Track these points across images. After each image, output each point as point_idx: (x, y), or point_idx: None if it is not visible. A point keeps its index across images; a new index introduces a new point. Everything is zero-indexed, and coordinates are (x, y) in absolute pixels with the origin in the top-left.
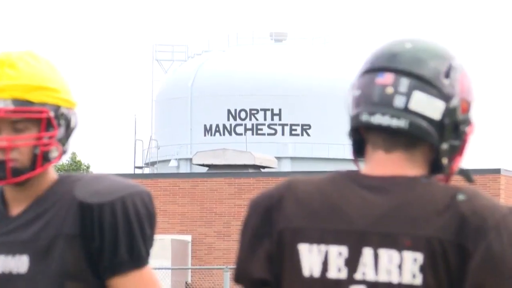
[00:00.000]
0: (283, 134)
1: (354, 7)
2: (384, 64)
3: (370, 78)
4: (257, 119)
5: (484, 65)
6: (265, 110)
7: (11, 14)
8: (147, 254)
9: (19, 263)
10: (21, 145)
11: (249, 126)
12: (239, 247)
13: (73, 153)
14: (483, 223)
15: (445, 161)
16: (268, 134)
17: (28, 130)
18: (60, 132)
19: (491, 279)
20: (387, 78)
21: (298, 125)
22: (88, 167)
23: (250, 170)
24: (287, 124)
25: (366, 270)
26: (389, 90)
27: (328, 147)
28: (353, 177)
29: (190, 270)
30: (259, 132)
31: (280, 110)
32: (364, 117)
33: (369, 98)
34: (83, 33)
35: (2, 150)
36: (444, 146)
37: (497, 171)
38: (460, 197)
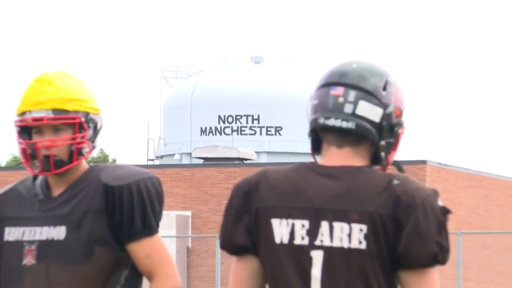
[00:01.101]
0: (261, 134)
1: (315, 37)
2: (336, 80)
3: (325, 91)
4: (241, 123)
5: (410, 66)
6: (247, 116)
7: (44, 46)
8: (157, 225)
9: (59, 232)
10: (60, 144)
11: (234, 128)
12: (224, 221)
13: (101, 149)
14: (412, 201)
15: (383, 154)
16: (250, 134)
17: (65, 132)
18: (89, 133)
19: (418, 244)
20: (338, 91)
21: (272, 127)
22: (114, 160)
23: (236, 162)
24: (264, 127)
25: (323, 238)
26: (340, 99)
27: (295, 144)
28: (313, 167)
29: (190, 238)
30: (242, 132)
31: (258, 116)
32: (321, 121)
33: (325, 106)
34: (109, 58)
35: (47, 148)
36: (382, 142)
37: (423, 162)
38: (395, 181)
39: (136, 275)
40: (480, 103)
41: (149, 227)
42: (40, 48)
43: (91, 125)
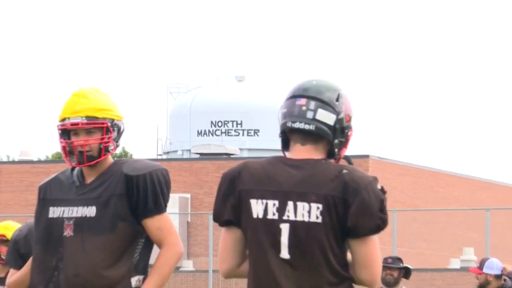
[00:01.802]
0: (243, 135)
1: (284, 61)
2: (300, 93)
3: (292, 101)
4: (228, 127)
5: (356, 78)
6: (232, 121)
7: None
8: (165, 205)
9: (90, 211)
10: (92, 143)
11: (223, 130)
12: (215, 201)
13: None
14: (357, 186)
15: (336, 150)
16: (234, 135)
17: (96, 134)
18: (114, 134)
19: (364, 218)
20: (302, 101)
21: (252, 130)
22: (131, 155)
23: (224, 156)
24: (245, 129)
25: (289, 214)
26: (304, 108)
27: (269, 142)
28: (282, 160)
29: (189, 214)
30: (229, 134)
31: (241, 121)
32: (289, 124)
33: (292, 113)
34: (128, 78)
35: (81, 146)
36: (336, 141)
37: (366, 156)
38: (344, 171)
39: (149, 243)
40: (408, 107)
41: (159, 207)
42: (73, 69)
43: (115, 128)
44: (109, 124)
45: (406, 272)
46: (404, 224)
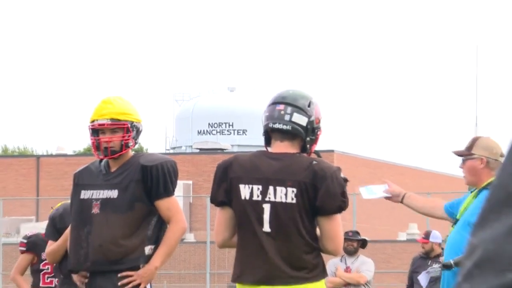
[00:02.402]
0: (234, 134)
1: (269, 71)
2: (280, 100)
3: (273, 107)
4: (222, 127)
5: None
6: (226, 123)
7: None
8: (173, 190)
9: (113, 193)
10: (115, 140)
11: (218, 130)
12: (212, 186)
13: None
14: (324, 174)
15: (307, 146)
16: (227, 134)
17: (118, 133)
18: (133, 134)
19: (328, 201)
20: (281, 107)
21: (241, 130)
22: (146, 149)
23: (219, 151)
24: (236, 129)
25: (270, 196)
26: (282, 112)
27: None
28: (265, 153)
29: (191, 197)
30: (223, 133)
31: (233, 123)
32: (270, 125)
33: (272, 116)
34: (143, 89)
35: (107, 143)
36: (307, 139)
37: (332, 151)
38: (314, 162)
39: (160, 220)
40: (367, 109)
41: (168, 191)
42: (100, 80)
43: (134, 129)
44: (129, 125)
45: (363, 243)
46: (362, 205)
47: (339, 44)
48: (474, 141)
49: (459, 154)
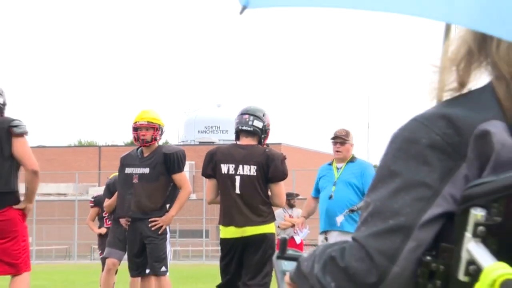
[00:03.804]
0: (220, 133)
1: (244, 92)
2: (245, 112)
3: (241, 116)
4: (213, 129)
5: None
6: (215, 126)
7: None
8: (183, 167)
9: (146, 170)
10: (148, 134)
11: (211, 131)
12: (203, 165)
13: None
14: (273, 157)
15: (262, 141)
16: (216, 133)
17: (150, 130)
18: (159, 132)
19: (275, 173)
20: (246, 116)
21: (224, 130)
22: (167, 141)
23: (211, 144)
24: (222, 130)
25: (240, 171)
26: (247, 119)
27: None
28: (236, 145)
29: (194, 171)
30: (213, 132)
31: (219, 126)
32: (240, 127)
33: (241, 122)
34: (162, 104)
35: (143, 136)
36: (262, 136)
37: (279, 143)
38: (267, 150)
39: (174, 186)
40: (308, 108)
41: (180, 169)
42: (134, 94)
43: (160, 129)
44: (157, 126)
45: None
46: (299, 176)
47: (289, 66)
48: (349, 132)
49: (344, 138)
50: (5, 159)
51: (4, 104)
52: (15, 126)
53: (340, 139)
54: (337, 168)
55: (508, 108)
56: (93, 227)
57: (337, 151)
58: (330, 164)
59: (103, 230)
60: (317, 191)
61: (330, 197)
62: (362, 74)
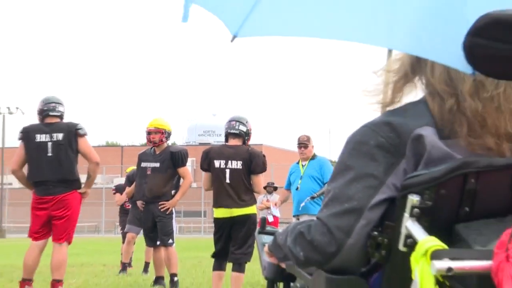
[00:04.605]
0: (216, 136)
1: (241, 104)
2: (233, 119)
3: (230, 122)
4: (210, 133)
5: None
6: (211, 131)
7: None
8: (185, 163)
9: (157, 164)
10: (156, 137)
11: (208, 134)
12: (200, 161)
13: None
14: (255, 155)
15: (246, 142)
16: (212, 136)
17: (158, 134)
18: (165, 135)
19: (256, 167)
20: (234, 122)
21: (218, 134)
22: (174, 143)
23: (207, 144)
24: (216, 134)
25: (229, 165)
26: (234, 125)
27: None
28: (226, 145)
29: (194, 166)
30: (210, 136)
31: (215, 131)
32: (229, 131)
33: (230, 127)
34: (169, 113)
35: (153, 138)
36: (246, 138)
37: (261, 144)
38: (250, 149)
39: (179, 177)
40: (284, 113)
41: (183, 163)
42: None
43: (166, 133)
44: (163, 131)
45: (275, 188)
46: (277, 170)
47: (270, 85)
48: (309, 138)
49: (306, 143)
50: (73, 154)
51: (64, 112)
52: (80, 129)
53: (303, 144)
54: (303, 165)
55: (437, 117)
56: (122, 197)
57: (301, 153)
58: (298, 162)
59: (123, 198)
60: (289, 184)
61: (297, 189)
62: (325, 94)
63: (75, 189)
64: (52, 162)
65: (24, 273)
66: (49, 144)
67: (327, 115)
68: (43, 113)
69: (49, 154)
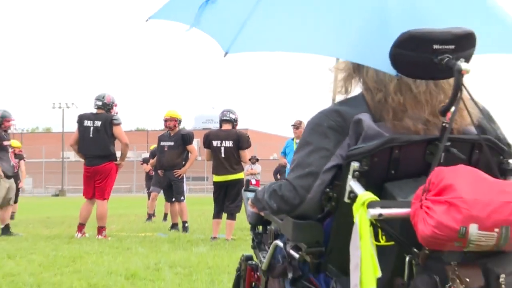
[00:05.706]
0: (215, 123)
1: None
2: (225, 110)
3: (222, 112)
4: (210, 121)
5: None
6: (211, 120)
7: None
8: (192, 142)
9: (171, 143)
10: (171, 124)
11: (209, 122)
12: (203, 142)
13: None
14: (242, 136)
15: (235, 126)
16: (212, 123)
17: (172, 121)
18: (178, 122)
19: (243, 144)
20: (226, 112)
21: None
22: (184, 128)
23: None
24: (215, 122)
25: (224, 144)
26: (226, 114)
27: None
28: (221, 129)
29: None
30: (210, 123)
31: (214, 119)
32: (222, 118)
33: (223, 115)
34: (182, 107)
35: (169, 124)
36: (235, 123)
37: (247, 129)
38: (238, 132)
39: (188, 153)
40: (266, 104)
41: (190, 142)
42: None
43: (177, 120)
44: (175, 119)
45: (257, 160)
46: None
47: (258, 82)
48: (301, 122)
49: (298, 125)
50: (109, 137)
51: (108, 105)
52: (115, 119)
53: (296, 126)
54: (296, 142)
55: (371, 106)
56: (147, 167)
57: (295, 133)
58: (292, 139)
59: (148, 168)
60: (284, 152)
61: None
62: (293, 90)
63: (111, 161)
64: (92, 141)
65: (80, 219)
66: (91, 128)
67: (302, 107)
68: (94, 105)
69: (91, 136)
